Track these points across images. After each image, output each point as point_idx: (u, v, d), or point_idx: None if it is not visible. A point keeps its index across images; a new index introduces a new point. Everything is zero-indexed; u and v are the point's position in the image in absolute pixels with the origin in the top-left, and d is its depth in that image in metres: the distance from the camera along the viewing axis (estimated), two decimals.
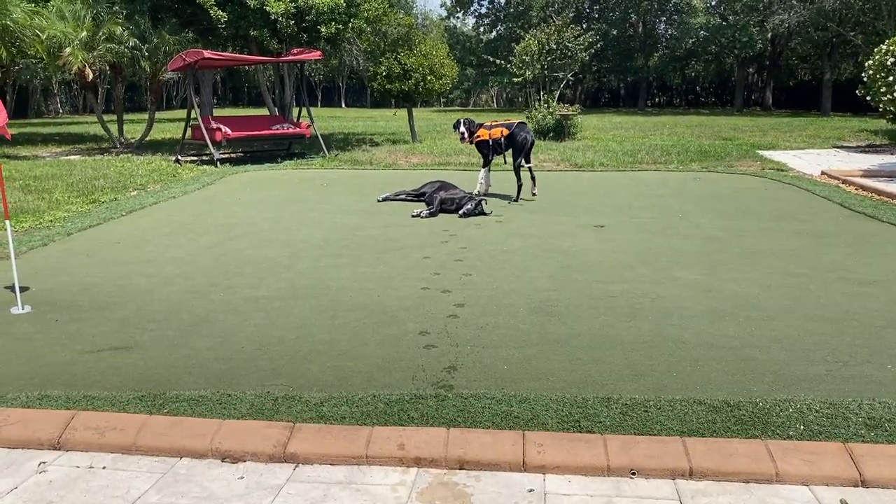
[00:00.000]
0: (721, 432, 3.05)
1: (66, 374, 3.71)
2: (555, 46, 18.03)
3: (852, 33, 34.95)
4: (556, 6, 43.18)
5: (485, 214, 8.11)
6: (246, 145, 15.36)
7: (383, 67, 16.42)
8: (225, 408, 3.29)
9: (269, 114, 17.46)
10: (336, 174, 12.24)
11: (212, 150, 13.12)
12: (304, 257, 6.21)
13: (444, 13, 50.97)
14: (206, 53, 12.79)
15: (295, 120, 15.99)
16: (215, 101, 61.06)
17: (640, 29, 45.55)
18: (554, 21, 18.84)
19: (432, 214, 8.07)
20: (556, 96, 18.53)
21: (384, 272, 5.71)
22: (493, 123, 9.40)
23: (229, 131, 13.56)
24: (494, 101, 67.62)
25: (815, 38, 37.19)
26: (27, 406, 3.25)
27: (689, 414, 3.22)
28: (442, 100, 57.02)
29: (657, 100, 58.60)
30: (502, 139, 9.09)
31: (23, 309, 4.72)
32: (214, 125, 13.41)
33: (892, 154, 14.56)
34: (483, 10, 49.85)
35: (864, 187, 10.17)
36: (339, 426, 2.99)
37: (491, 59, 23.23)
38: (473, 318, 4.55)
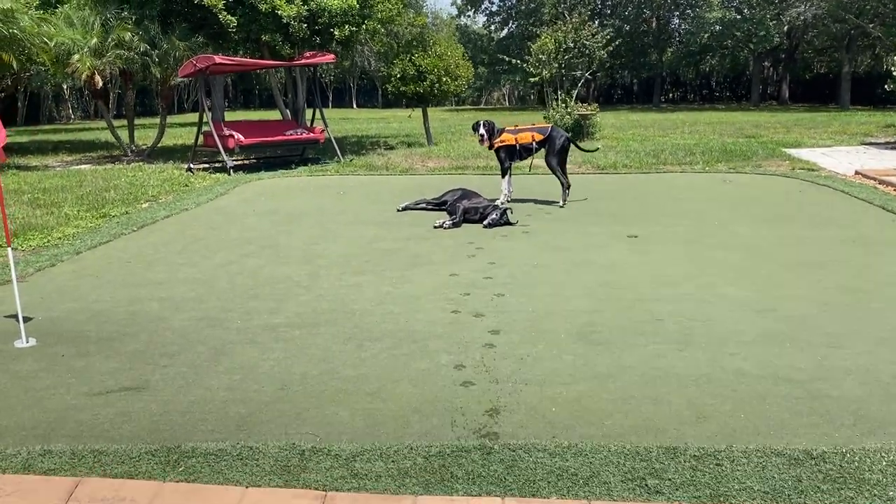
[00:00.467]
0: (810, 492, 2.68)
1: (71, 421, 3.39)
2: (572, 45, 17.61)
3: (871, 25, 34.29)
4: (569, 3, 42.68)
5: (510, 224, 7.75)
6: (259, 151, 15.06)
7: (397, 69, 16.08)
8: (246, 464, 2.95)
9: (281, 118, 17.14)
10: (352, 181, 11.90)
11: (224, 157, 12.81)
12: (324, 276, 5.87)
13: (455, 12, 50.60)
14: (218, 59, 12.49)
15: (308, 124, 15.66)
16: (227, 104, 61.10)
17: (654, 24, 44.98)
18: (570, 19, 18.43)
19: (455, 225, 7.71)
20: (575, 95, 18.12)
21: (410, 292, 5.36)
22: (519, 127, 9.02)
23: (242, 138, 13.26)
24: (506, 99, 67.21)
25: (832, 31, 36.51)
26: (28, 466, 2.92)
27: (769, 468, 2.84)
28: (454, 99, 56.73)
29: (671, 95, 58.01)
30: (534, 144, 8.72)
31: (27, 342, 4.40)
32: (227, 132, 13.11)
33: None
34: (494, 8, 49.43)
35: None
36: (376, 496, 2.64)
37: (506, 59, 22.76)
38: (512, 348, 4.19)
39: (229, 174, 12.65)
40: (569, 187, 8.77)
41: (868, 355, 3.96)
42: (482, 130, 8.86)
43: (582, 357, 4.04)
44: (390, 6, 15.14)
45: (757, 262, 6.08)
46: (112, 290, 5.60)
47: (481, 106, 62.75)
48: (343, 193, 10.36)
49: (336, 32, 14.31)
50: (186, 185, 11.42)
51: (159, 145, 17.55)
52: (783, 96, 46.08)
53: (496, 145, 8.91)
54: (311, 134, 14.45)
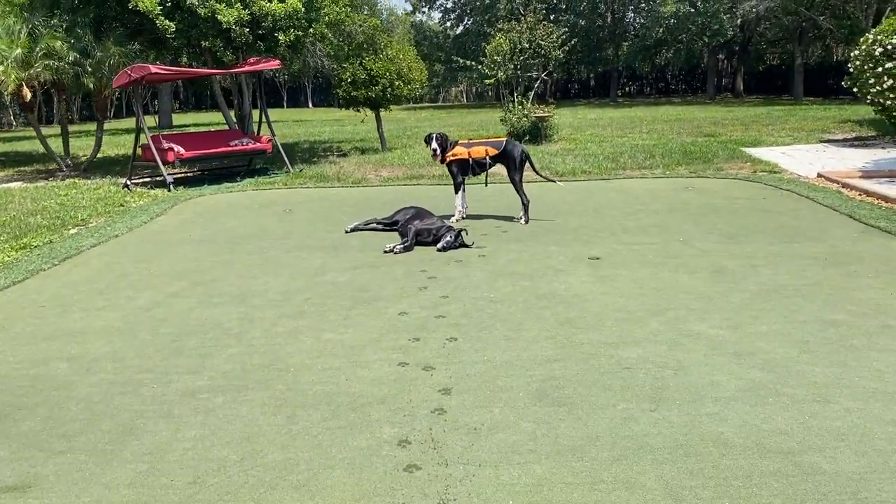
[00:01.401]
0: None
1: None
2: (527, 45, 17.18)
3: (822, 17, 34.62)
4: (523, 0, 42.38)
5: (466, 246, 7.25)
6: (203, 163, 14.33)
7: (348, 73, 15.46)
8: None
9: (227, 127, 16.41)
10: (300, 195, 11.29)
11: (163, 172, 12.09)
12: (258, 320, 5.31)
13: (410, 8, 49.96)
14: (153, 68, 11.75)
15: (255, 132, 14.97)
16: (177, 106, 59.59)
17: (609, 19, 44.93)
18: (525, 17, 17.98)
19: (407, 249, 7.19)
20: (531, 97, 17.70)
21: (353, 340, 4.83)
22: (472, 141, 8.54)
23: (182, 151, 12.54)
24: (464, 96, 66.80)
25: (785, 23, 36.81)
26: None
27: None
28: (410, 98, 56.16)
29: (628, 89, 58.26)
30: (488, 159, 8.24)
31: None
32: (166, 145, 12.38)
33: (883, 147, 13.96)
34: (449, 5, 48.94)
35: (867, 192, 9.48)
36: None
37: (461, 61, 22.28)
38: (464, 414, 3.69)
39: (169, 190, 11.94)
40: (528, 203, 8.30)
41: (859, 413, 3.55)
42: (434, 145, 8.35)
43: (543, 424, 3.56)
44: (338, 9, 14.51)
45: (726, 287, 5.68)
46: (16, 346, 4.96)
47: (439, 103, 62.25)
48: (289, 211, 9.76)
49: (281, 37, 13.65)
50: (122, 205, 10.69)
51: (98, 157, 16.64)
52: (738, 88, 46.49)
53: (448, 159, 8.41)
54: (258, 144, 13.77)
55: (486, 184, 8.57)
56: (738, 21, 38.61)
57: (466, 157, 8.27)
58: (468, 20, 48.59)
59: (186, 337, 5.02)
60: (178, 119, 40.06)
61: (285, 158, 13.94)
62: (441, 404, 3.82)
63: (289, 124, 31.66)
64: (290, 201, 10.62)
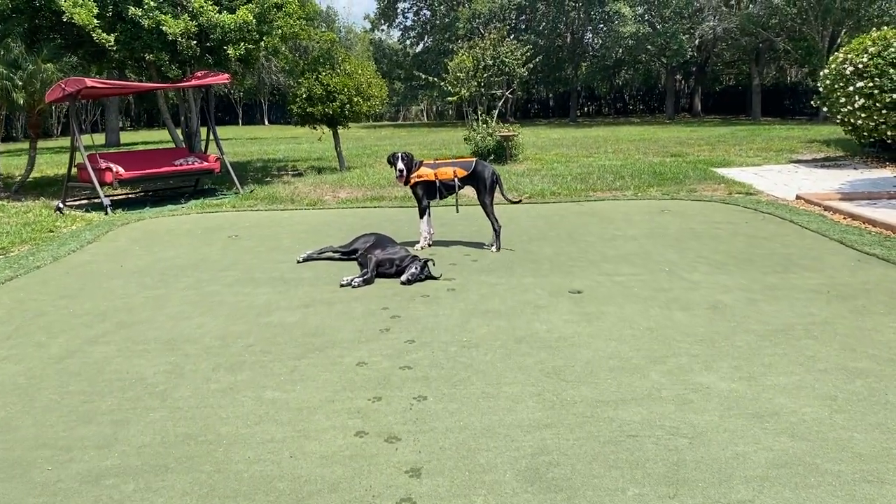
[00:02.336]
0: None
1: None
2: (491, 62, 16.61)
3: (778, 38, 34.99)
4: (483, 18, 42.12)
5: (433, 279, 6.51)
6: (147, 184, 13.34)
7: (303, 88, 14.67)
8: None
9: (174, 145, 15.45)
10: (250, 218, 10.43)
11: (100, 193, 11.11)
12: (189, 373, 4.47)
13: (369, 26, 49.38)
14: (89, 82, 10.80)
15: (203, 150, 14.05)
16: (128, 124, 57.84)
17: (569, 39, 44.94)
18: (488, 34, 17.44)
19: (367, 282, 6.41)
20: (496, 115, 17.12)
21: (301, 399, 4.03)
22: (439, 161, 7.82)
23: (122, 171, 11.59)
24: (425, 114, 66.32)
25: (742, 44, 37.12)
26: None
27: None
28: (370, 116, 55.44)
29: (587, 109, 58.45)
30: (456, 180, 7.52)
31: None
32: (103, 164, 11.41)
33: (855, 168, 13.67)
34: (409, 23, 48.48)
35: (851, 215, 9.03)
36: None
37: (423, 76, 21.63)
38: None
39: (106, 213, 10.97)
40: (499, 229, 7.61)
41: None
42: (400, 165, 7.59)
43: None
44: (292, 22, 13.74)
45: (728, 327, 5.04)
46: None
47: (399, 122, 61.65)
48: (235, 237, 8.90)
49: (230, 51, 12.81)
50: (51, 231, 9.70)
51: (33, 178, 15.50)
52: (696, 109, 46.86)
53: (413, 181, 7.67)
54: (205, 163, 12.86)
55: (458, 209, 7.84)
56: (696, 42, 38.89)
57: (433, 178, 7.55)
58: (428, 38, 48.17)
59: (100, 397, 4.16)
60: (127, 137, 38.65)
61: (234, 178, 13.06)
62: (409, 491, 3.05)
63: (242, 142, 30.64)
64: (237, 226, 9.76)
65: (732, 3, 33.49)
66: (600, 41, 46.83)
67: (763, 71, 42.09)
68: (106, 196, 11.31)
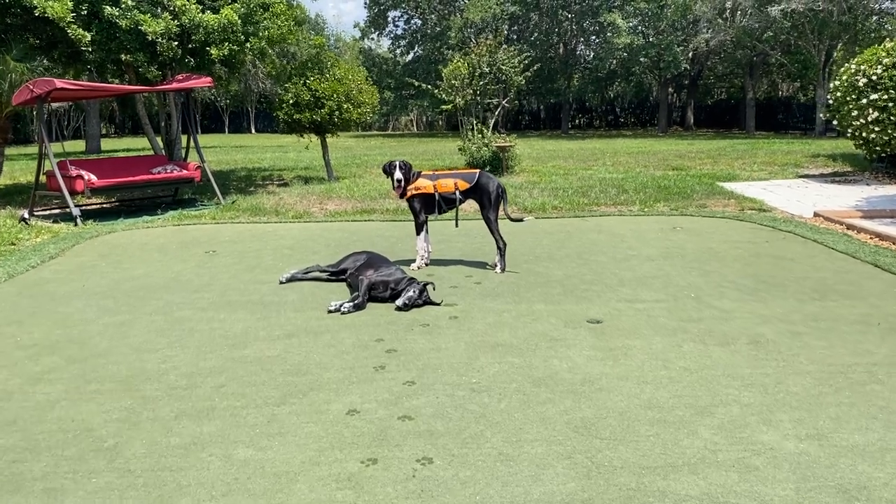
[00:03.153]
0: None
1: None
2: (487, 69, 15.97)
3: (772, 52, 34.68)
4: (475, 28, 41.63)
5: (433, 304, 5.79)
6: (124, 193, 12.53)
7: (290, 94, 13.96)
8: None
9: (153, 152, 14.67)
10: (230, 231, 9.68)
11: (69, 203, 10.32)
12: (146, 422, 3.73)
13: (359, 34, 48.77)
14: (59, 83, 10.03)
15: (183, 158, 13.29)
16: (112, 130, 56.81)
17: (562, 50, 44.51)
18: (484, 41, 16.80)
19: (358, 307, 5.69)
20: (492, 125, 16.47)
21: (279, 461, 3.30)
22: (438, 173, 7.10)
23: (94, 179, 10.81)
24: (415, 125, 65.74)
25: (737, 57, 36.79)
26: None
27: None
28: (359, 125, 54.70)
29: (578, 121, 58.07)
30: (457, 193, 6.82)
31: None
32: (74, 172, 10.63)
33: (868, 184, 13.10)
34: (399, 32, 47.92)
35: (879, 235, 8.41)
36: None
37: (416, 84, 20.97)
38: None
39: (76, 224, 10.18)
40: (504, 248, 6.90)
41: None
42: (398, 174, 6.85)
43: None
44: (279, 23, 13.03)
45: (777, 368, 4.35)
46: None
47: (388, 132, 61.02)
48: (213, 253, 8.15)
49: (213, 52, 12.07)
50: (12, 244, 8.90)
51: (1, 185, 14.67)
52: (688, 122, 46.53)
53: (410, 193, 6.95)
54: (184, 171, 12.10)
55: (457, 223, 7.11)
56: (690, 54, 38.54)
57: (432, 191, 6.84)
58: (419, 48, 47.62)
59: (34, 455, 3.41)
60: (110, 144, 37.78)
61: (216, 188, 12.30)
62: None
63: (227, 150, 29.85)
64: (216, 240, 9.00)
65: (727, 15, 33.12)
66: (593, 53, 46.50)
67: (756, 85, 41.82)
68: (76, 206, 10.52)
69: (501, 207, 6.96)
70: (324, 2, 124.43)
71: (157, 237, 9.32)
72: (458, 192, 6.81)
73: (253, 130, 61.03)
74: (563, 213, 10.67)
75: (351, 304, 5.67)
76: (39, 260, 7.82)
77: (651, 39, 36.58)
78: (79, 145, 34.02)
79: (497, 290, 6.29)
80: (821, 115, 31.96)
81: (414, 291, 5.72)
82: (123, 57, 12.01)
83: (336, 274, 6.60)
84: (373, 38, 50.72)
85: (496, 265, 6.95)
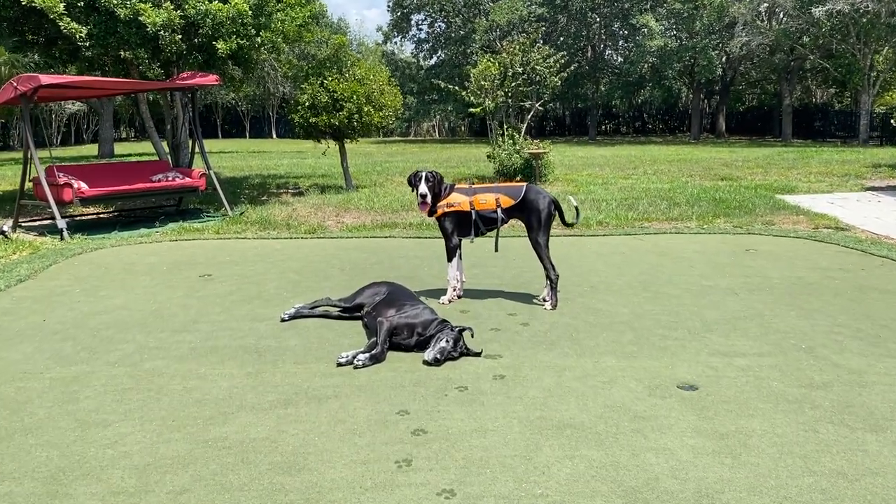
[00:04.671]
0: None
1: None
2: (520, 70, 14.69)
3: (811, 57, 33.10)
4: (500, 32, 40.39)
5: (473, 355, 4.53)
6: (125, 201, 11.38)
7: (306, 96, 12.80)
8: None
9: (158, 157, 13.57)
10: (232, 249, 8.49)
11: (55, 214, 9.19)
12: None
13: (381, 38, 47.74)
14: (44, 79, 8.91)
15: (188, 164, 12.16)
16: (132, 134, 56.20)
17: (590, 54, 43.13)
18: (518, 39, 15.52)
19: (375, 358, 4.43)
20: (524, 130, 15.19)
21: None
22: (477, 185, 5.82)
23: (84, 187, 9.68)
24: (436, 130, 64.63)
25: (774, 62, 35.20)
26: None
27: None
28: (381, 130, 53.60)
29: (604, 128, 56.62)
30: (499, 211, 5.56)
31: None
32: (62, 179, 9.51)
33: None
34: (422, 35, 46.82)
35: None
36: None
37: (441, 84, 19.74)
38: None
39: (61, 238, 9.06)
40: (556, 279, 5.62)
41: None
42: (423, 188, 5.61)
43: None
44: (294, 14, 11.86)
45: None
46: None
47: (410, 137, 59.93)
48: (208, 277, 6.94)
49: (220, 46, 10.91)
50: None
51: None
52: (719, 129, 44.89)
53: (440, 211, 5.68)
54: (187, 179, 10.95)
55: (497, 247, 5.82)
56: (723, 59, 37.00)
57: (468, 208, 5.57)
58: (442, 52, 46.46)
59: None
60: (127, 148, 36.97)
61: (223, 198, 11.14)
62: None
63: (243, 156, 28.83)
64: (215, 260, 7.81)
65: (765, 17, 31.61)
66: (621, 58, 45.09)
67: (792, 91, 40.14)
68: (64, 217, 9.40)
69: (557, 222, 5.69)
70: (347, 8, 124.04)
71: (149, 255, 8.14)
72: (500, 211, 5.54)
73: (274, 135, 60.22)
74: (611, 230, 9.37)
75: (367, 355, 4.42)
76: (4, 284, 6.66)
77: (685, 42, 35.08)
78: (92, 150, 33.25)
79: (550, 334, 5.01)
80: (893, 121, 30.37)
81: (447, 341, 4.46)
82: (122, 53, 10.89)
83: (350, 310, 5.36)
84: (396, 42, 49.71)
85: (546, 300, 5.68)
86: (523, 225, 5.72)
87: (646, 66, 38.36)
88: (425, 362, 4.40)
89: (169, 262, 7.67)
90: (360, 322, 5.24)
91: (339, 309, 5.43)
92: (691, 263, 7.24)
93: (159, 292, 6.37)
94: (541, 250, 5.56)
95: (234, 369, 4.39)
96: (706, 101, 50.74)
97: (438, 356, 4.38)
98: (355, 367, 4.34)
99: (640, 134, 53.92)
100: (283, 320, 5.35)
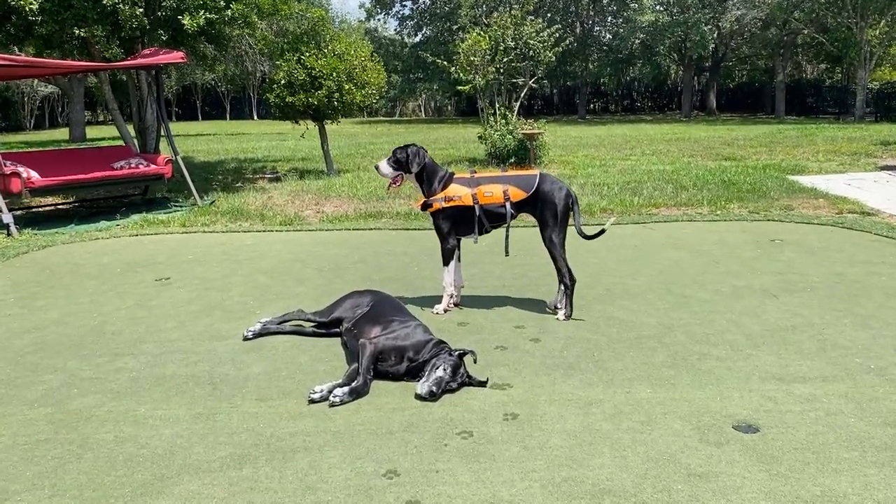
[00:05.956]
0: None
1: None
2: (512, 44, 13.76)
3: (805, 31, 32.30)
4: (486, 8, 39.23)
5: (477, 385, 3.70)
6: (85, 191, 10.40)
7: (282, 73, 11.83)
8: None
9: (124, 142, 12.58)
10: (197, 245, 7.60)
11: (1, 207, 8.24)
12: None
13: (364, 16, 46.42)
14: None
15: (154, 150, 11.20)
16: (108, 117, 54.56)
17: (579, 30, 42.07)
18: (509, 11, 14.54)
19: (356, 392, 3.59)
20: (517, 109, 14.30)
21: None
22: (479, 175, 4.94)
23: (35, 176, 8.73)
24: (422, 110, 63.45)
25: (767, 37, 34.34)
26: None
27: None
28: (365, 110, 52.24)
29: (593, 106, 55.70)
30: (508, 206, 4.70)
31: None
32: (9, 168, 8.54)
33: None
34: (406, 12, 45.55)
35: None
36: None
37: (430, 59, 18.74)
38: None
39: (8, 234, 8.13)
40: (572, 285, 4.77)
41: None
42: (384, 167, 4.77)
43: None
44: None
45: None
46: None
47: (396, 118, 58.73)
48: (165, 281, 6.06)
49: (186, 21, 9.92)
50: None
51: None
52: (710, 106, 44.09)
53: (436, 205, 4.81)
54: (151, 166, 10.00)
55: (507, 251, 4.94)
56: (717, 33, 36.10)
57: (470, 202, 4.71)
58: (427, 29, 45.25)
59: None
60: (104, 131, 35.67)
61: (192, 186, 10.20)
62: None
63: (220, 138, 27.71)
64: (176, 258, 6.92)
65: None
66: (610, 35, 44.10)
67: (784, 66, 39.33)
68: (11, 211, 8.47)
69: (572, 222, 4.84)
70: None
71: (103, 254, 7.23)
72: (508, 205, 4.68)
73: (255, 117, 58.83)
74: (617, 218, 8.54)
75: (345, 389, 3.58)
76: None
77: (676, 17, 34.11)
78: (62, 134, 32.04)
79: (567, 354, 4.18)
80: (861, 97, 29.68)
81: (445, 369, 3.62)
82: (77, 31, 9.88)
83: (326, 325, 4.50)
84: (379, 19, 48.36)
85: (557, 308, 4.85)
86: (536, 221, 4.85)
87: (636, 41, 37.37)
88: (418, 396, 3.57)
89: (124, 263, 6.77)
90: (339, 340, 4.40)
91: (313, 324, 4.58)
92: (714, 258, 6.43)
93: (106, 301, 5.48)
94: (555, 251, 4.72)
95: (181, 409, 3.53)
96: (695, 78, 49.90)
97: (434, 389, 3.54)
98: (331, 405, 3.50)
99: (629, 112, 53.07)
100: (245, 339, 4.49)
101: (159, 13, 10.39)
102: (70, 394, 3.76)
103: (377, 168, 4.85)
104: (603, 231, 4.90)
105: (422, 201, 4.87)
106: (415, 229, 8.13)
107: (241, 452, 3.08)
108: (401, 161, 4.75)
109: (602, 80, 50.78)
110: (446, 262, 4.88)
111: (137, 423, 3.39)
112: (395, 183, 4.84)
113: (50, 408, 3.59)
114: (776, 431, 3.18)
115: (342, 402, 3.52)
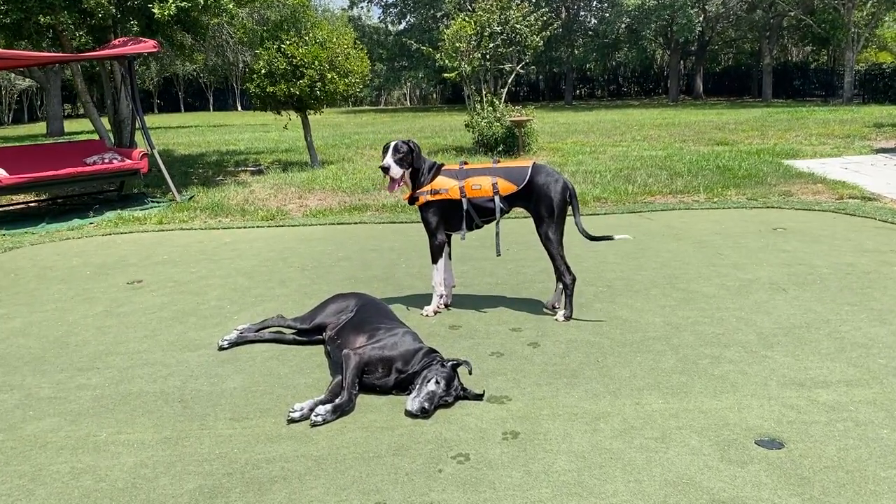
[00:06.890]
0: None
1: None
2: (499, 29, 13.39)
3: (792, 13, 32.07)
4: None
5: (473, 398, 3.39)
6: (57, 188, 10.00)
7: (262, 62, 11.43)
8: None
9: (98, 136, 12.14)
10: (174, 243, 7.23)
11: None
12: None
13: (347, 4, 45.76)
14: None
15: (129, 144, 10.78)
16: (81, 110, 53.70)
17: (564, 15, 41.65)
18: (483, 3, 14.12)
19: (340, 410, 3.27)
20: (504, 95, 13.94)
21: None
22: (469, 167, 4.59)
23: (3, 174, 8.32)
24: (408, 98, 62.89)
25: (753, 19, 34.08)
26: None
27: None
28: (350, 99, 51.54)
29: (579, 92, 55.37)
30: (497, 200, 4.37)
31: None
32: None
33: None
34: (390, 0, 44.95)
35: None
36: None
37: (415, 46, 18.33)
38: None
39: None
40: (572, 283, 4.46)
41: None
42: (388, 160, 4.36)
43: None
44: None
45: None
46: None
47: (381, 107, 58.15)
48: (138, 284, 5.70)
49: (156, 10, 9.48)
50: None
51: None
52: (697, 90, 43.89)
53: (423, 199, 4.48)
54: (126, 161, 9.59)
55: (499, 251, 4.61)
56: (703, 16, 35.81)
57: (458, 196, 4.38)
58: (411, 15, 44.69)
59: None
60: (80, 125, 34.99)
61: (169, 181, 9.81)
62: None
63: (202, 130, 27.18)
64: (150, 260, 6.55)
65: None
66: (595, 20, 43.72)
67: (772, 49, 39.12)
68: None
69: (572, 218, 4.52)
70: None
71: (73, 255, 6.86)
72: (498, 199, 4.36)
73: (239, 108, 58.09)
74: (613, 207, 8.26)
75: (328, 407, 3.25)
76: None
77: (662, 0, 33.77)
78: (39, 128, 31.39)
79: (569, 360, 3.87)
80: (848, 80, 29.52)
81: (437, 382, 3.30)
82: (42, 19, 9.43)
83: (308, 332, 4.17)
84: (362, 7, 47.75)
85: (556, 307, 4.54)
86: (530, 215, 4.52)
87: (622, 26, 37.00)
88: (408, 413, 3.25)
89: (95, 265, 6.40)
90: (322, 348, 4.07)
91: (294, 331, 4.24)
92: (717, 249, 6.13)
93: (73, 308, 5.12)
94: (552, 248, 4.40)
95: (147, 432, 3.20)
96: (682, 62, 49.64)
97: (426, 405, 3.22)
98: (313, 425, 3.18)
99: (615, 97, 52.77)
100: (221, 348, 4.15)
101: (128, 2, 9.94)
102: (25, 416, 3.42)
103: (386, 170, 4.35)
104: (610, 238, 4.59)
105: (409, 194, 4.54)
106: (402, 222, 7.81)
107: (212, 484, 2.75)
108: (405, 156, 4.37)
109: (588, 65, 50.42)
110: (435, 260, 4.55)
111: (98, 450, 3.06)
112: (401, 182, 4.46)
113: (1, 434, 3.25)
114: (803, 447, 2.89)
115: (325, 422, 3.19)
